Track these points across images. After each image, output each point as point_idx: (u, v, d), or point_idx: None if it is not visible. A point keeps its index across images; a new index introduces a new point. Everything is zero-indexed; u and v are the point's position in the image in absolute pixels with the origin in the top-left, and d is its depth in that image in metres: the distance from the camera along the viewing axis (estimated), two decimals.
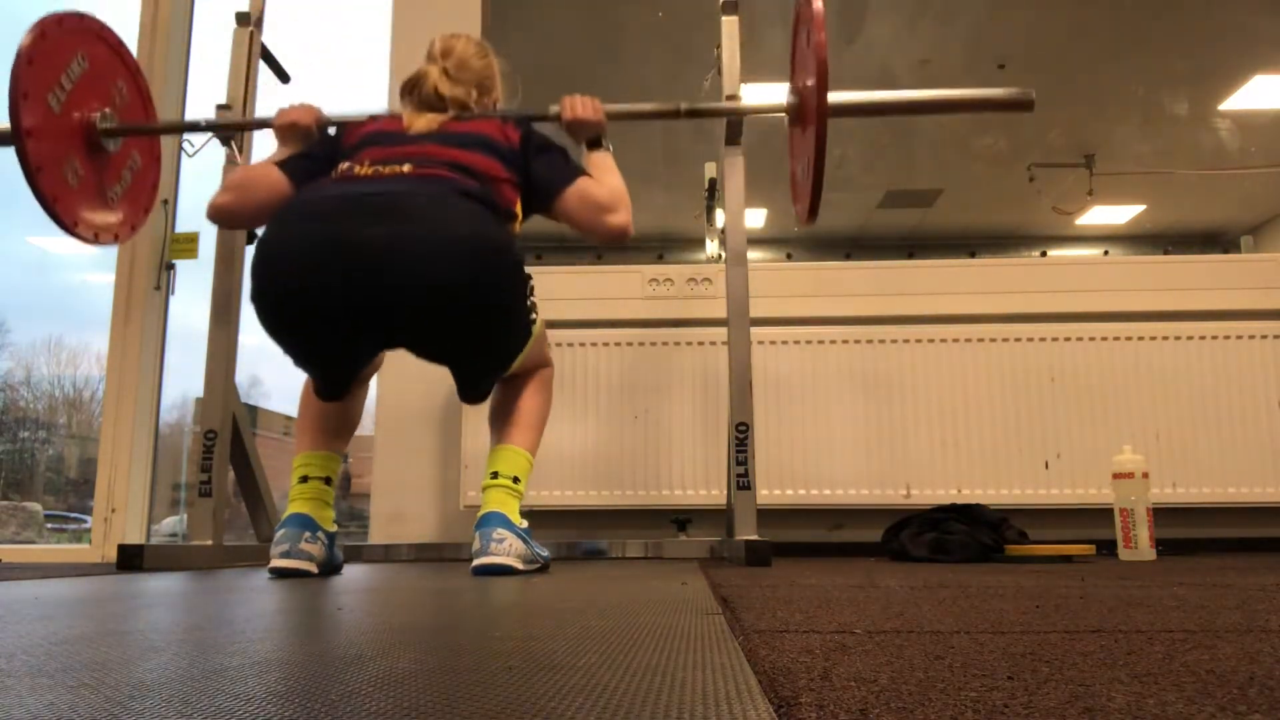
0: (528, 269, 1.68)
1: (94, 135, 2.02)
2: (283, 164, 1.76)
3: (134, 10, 2.95)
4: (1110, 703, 0.44)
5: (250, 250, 2.25)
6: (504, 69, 1.95)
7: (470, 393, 1.76)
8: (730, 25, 2.21)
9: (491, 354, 1.69)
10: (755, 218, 6.58)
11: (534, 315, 1.77)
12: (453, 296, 1.49)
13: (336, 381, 1.70)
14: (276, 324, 1.55)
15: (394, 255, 1.44)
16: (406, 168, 1.59)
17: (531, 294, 1.74)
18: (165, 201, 2.88)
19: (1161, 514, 2.15)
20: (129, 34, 2.93)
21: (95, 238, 2.03)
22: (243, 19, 2.31)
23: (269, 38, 2.37)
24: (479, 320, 1.56)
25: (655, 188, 6.10)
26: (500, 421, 1.82)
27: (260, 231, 1.58)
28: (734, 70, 2.17)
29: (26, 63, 1.83)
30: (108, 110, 2.05)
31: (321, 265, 1.45)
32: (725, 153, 2.16)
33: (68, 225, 1.94)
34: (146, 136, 2.25)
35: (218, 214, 1.77)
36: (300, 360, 1.67)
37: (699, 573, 1.59)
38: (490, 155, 1.69)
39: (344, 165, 1.66)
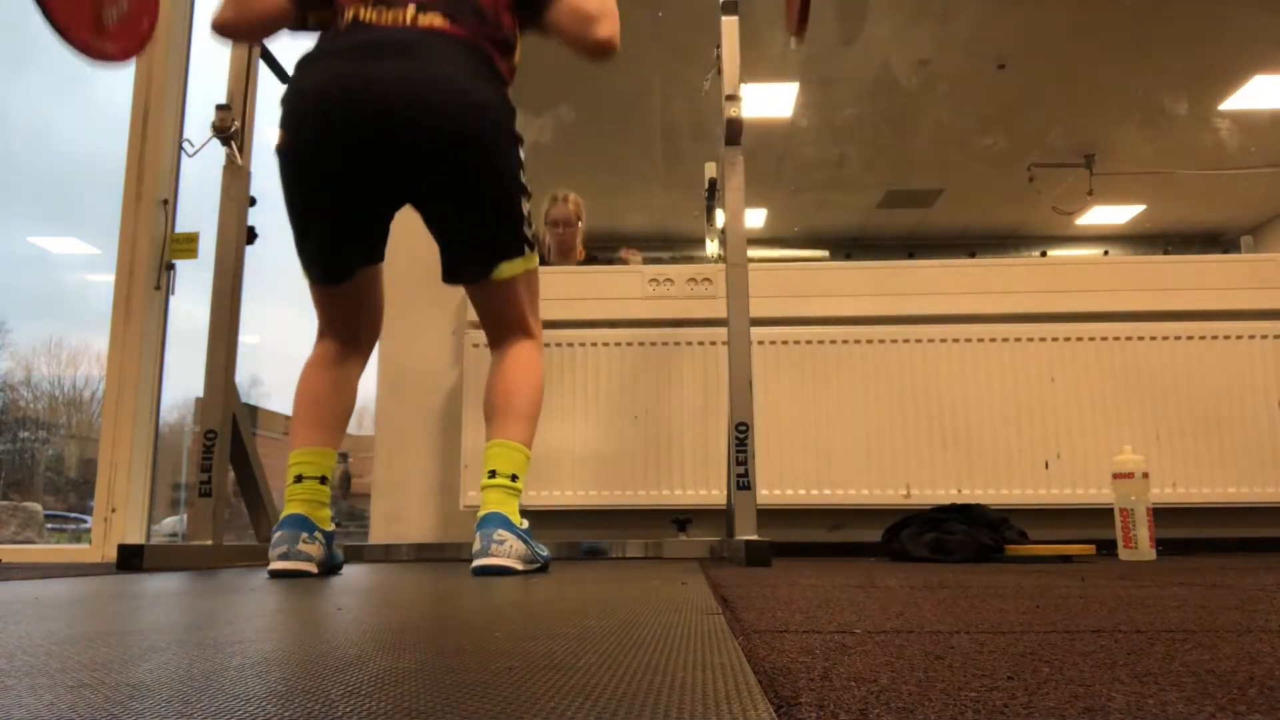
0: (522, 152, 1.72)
1: None
2: None
3: None
4: (1110, 703, 0.44)
5: (250, 250, 2.25)
6: None
7: (458, 267, 1.78)
8: (730, 25, 2.21)
9: (484, 212, 1.72)
10: (755, 218, 6.59)
11: (526, 204, 1.78)
12: (450, 135, 1.62)
13: (338, 258, 1.74)
14: (295, 169, 1.67)
15: (401, 90, 1.60)
16: (410, 10, 1.65)
17: (524, 166, 1.76)
18: (165, 201, 2.88)
19: (1161, 514, 2.15)
20: None
21: (88, 47, 1.83)
22: None
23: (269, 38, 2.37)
24: (473, 164, 1.65)
25: (655, 188, 6.10)
26: (494, 412, 1.79)
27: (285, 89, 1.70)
28: (734, 70, 2.17)
29: None
30: None
31: (337, 98, 1.61)
32: (725, 153, 2.16)
33: (60, 28, 1.70)
34: None
35: (221, 27, 1.82)
36: (310, 217, 1.71)
37: (699, 573, 1.59)
38: None
39: (348, 14, 1.69)
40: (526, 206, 1.78)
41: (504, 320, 1.83)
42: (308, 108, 1.65)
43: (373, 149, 1.62)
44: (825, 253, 3.31)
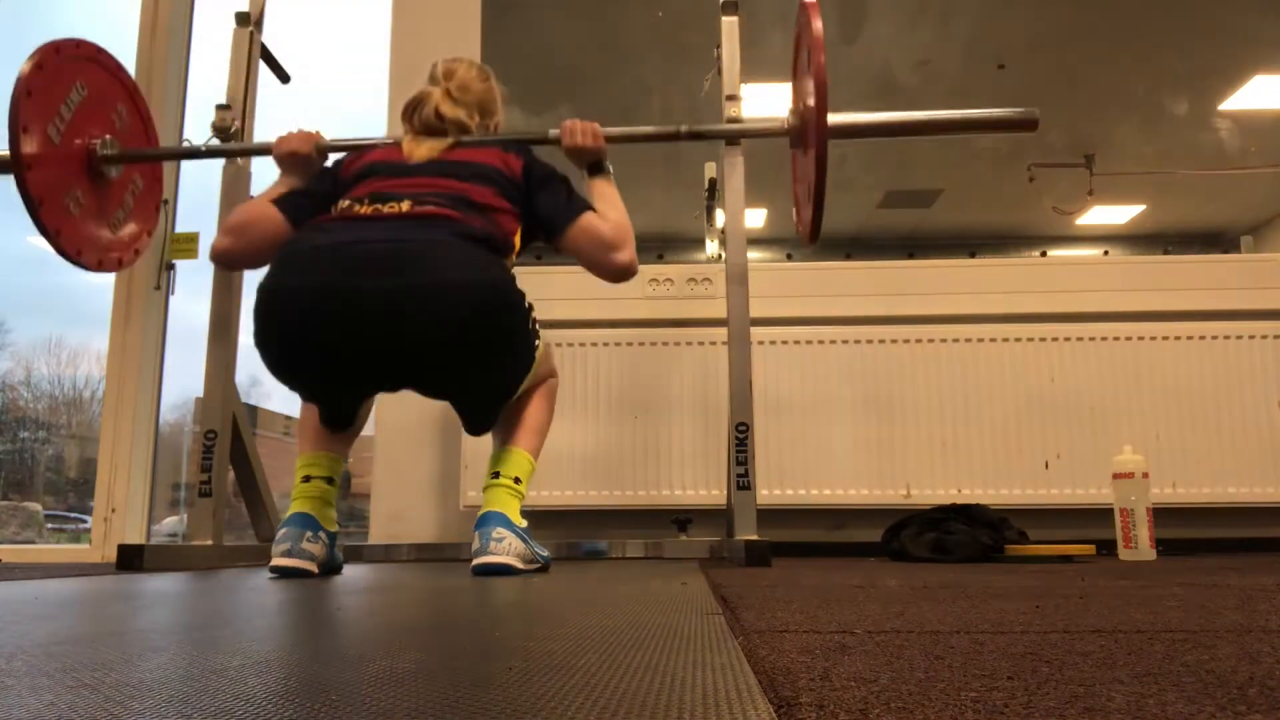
0: (523, 271, 1.69)
1: (95, 163, 2.01)
2: (280, 202, 1.76)
3: (134, 10, 2.95)
4: (1110, 703, 0.44)
5: None
6: (504, 94, 1.96)
7: (476, 426, 1.76)
8: (730, 25, 2.21)
9: (497, 388, 1.71)
10: (755, 218, 6.58)
11: (537, 341, 1.76)
12: (457, 344, 1.52)
13: (340, 416, 1.71)
14: (281, 369, 1.59)
15: (396, 307, 1.47)
16: (406, 205, 1.59)
17: (534, 324, 1.74)
18: (165, 201, 2.88)
19: (1161, 514, 2.15)
20: (129, 34, 2.94)
21: (99, 265, 2.04)
22: (243, 19, 2.31)
23: (269, 38, 2.37)
24: (486, 362, 1.59)
25: (655, 188, 6.09)
26: (505, 425, 1.81)
27: (264, 271, 1.59)
28: (734, 70, 2.17)
29: (25, 94, 1.82)
30: (108, 137, 2.04)
31: (324, 317, 1.48)
32: (725, 153, 2.17)
33: (71, 255, 1.94)
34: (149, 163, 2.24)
35: (219, 257, 1.81)
36: (305, 397, 1.70)
37: (699, 573, 1.59)
38: (490, 186, 1.70)
39: (344, 204, 1.66)
40: (535, 337, 1.75)
41: (525, 401, 1.83)
42: (289, 312, 1.50)
43: (368, 361, 1.53)
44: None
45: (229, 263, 1.87)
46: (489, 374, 1.63)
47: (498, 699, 0.45)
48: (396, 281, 1.47)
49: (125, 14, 2.97)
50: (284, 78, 2.46)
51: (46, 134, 1.88)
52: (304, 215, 1.72)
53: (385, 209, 1.59)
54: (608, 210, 1.81)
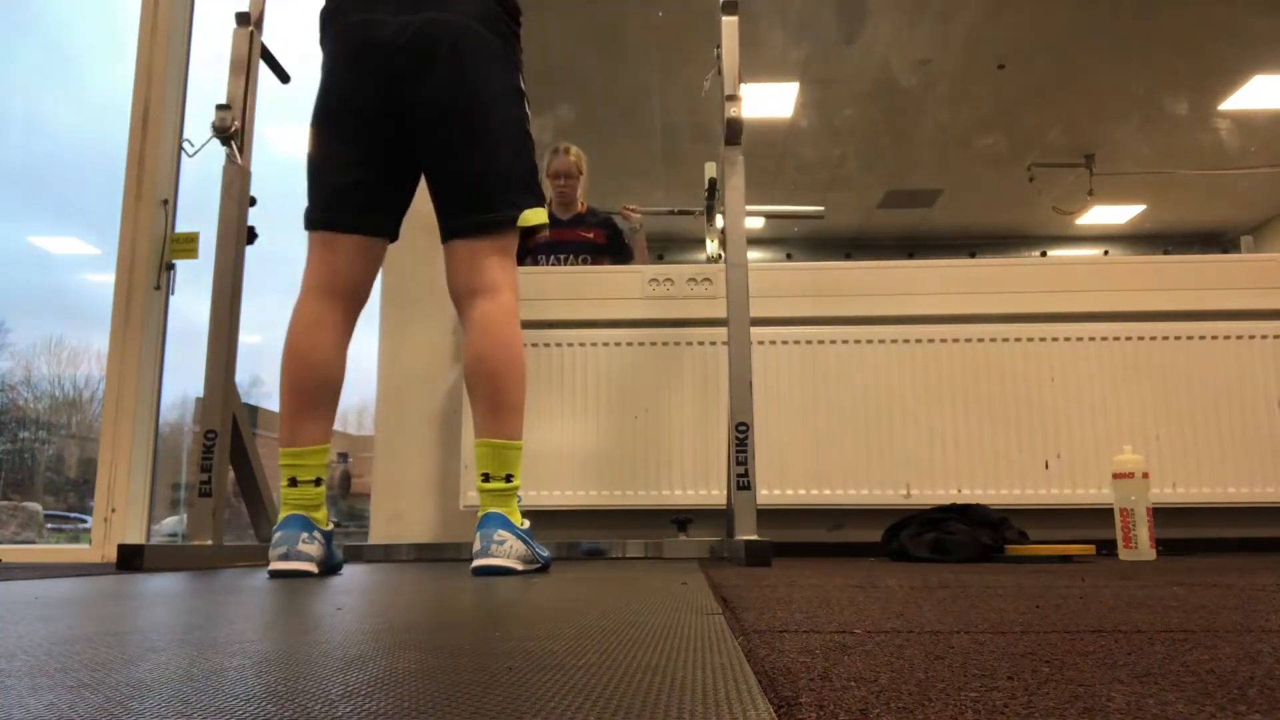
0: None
1: None
2: None
3: (134, 10, 2.95)
4: (1110, 703, 0.44)
5: (250, 250, 2.25)
6: None
7: (485, 208, 1.76)
8: (730, 25, 2.21)
9: (500, 136, 1.75)
10: (755, 218, 6.58)
11: (527, 108, 1.83)
12: (449, 53, 1.71)
13: (353, 199, 1.77)
14: (338, 92, 1.78)
15: (415, 31, 1.71)
16: None
17: (524, 84, 1.83)
18: (165, 201, 2.88)
19: (1161, 514, 2.15)
20: (129, 34, 2.94)
21: None
22: (243, 19, 2.30)
23: (269, 38, 2.37)
24: (477, 75, 1.74)
25: (655, 188, 6.10)
26: (480, 400, 1.74)
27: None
28: (734, 70, 2.17)
29: None
30: None
31: (363, 43, 1.74)
32: (725, 153, 2.16)
33: None
34: None
35: None
36: (337, 145, 1.78)
37: (699, 573, 1.59)
38: None
39: None
40: (534, 158, 1.84)
41: (497, 276, 1.78)
42: (339, 62, 1.78)
43: (391, 89, 1.72)
44: (821, 208, 3.29)
45: None
46: (474, 100, 1.73)
47: (498, 699, 0.45)
48: (426, 14, 1.73)
49: (125, 14, 2.97)
50: (284, 78, 2.46)
51: None
52: None
53: None
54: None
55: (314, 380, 1.74)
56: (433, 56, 1.71)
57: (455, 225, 1.79)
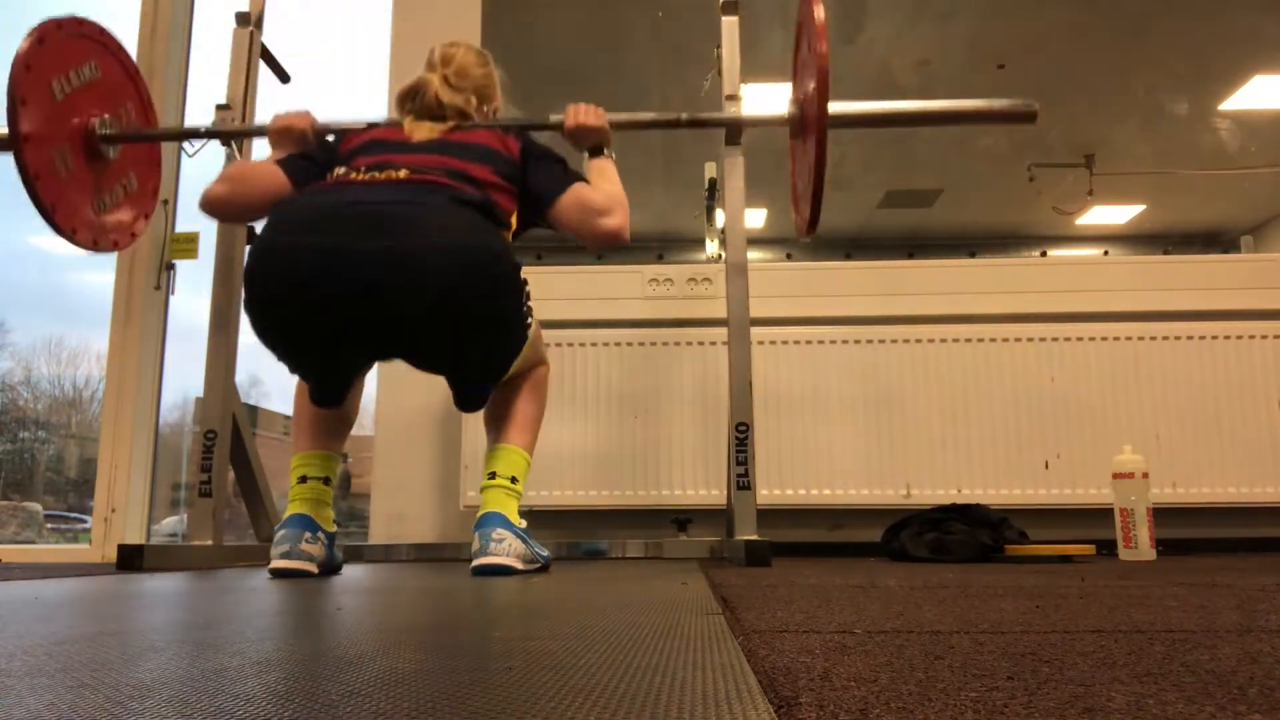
0: (524, 271, 1.67)
1: (93, 141, 2.00)
2: (282, 162, 1.75)
3: (134, 10, 2.95)
4: (1110, 703, 0.44)
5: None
6: (503, 79, 1.95)
7: (468, 402, 1.76)
8: (730, 25, 2.21)
9: (489, 363, 1.69)
10: (755, 218, 6.58)
11: (530, 319, 1.75)
12: (450, 309, 1.48)
13: (331, 389, 1.70)
14: (270, 333, 1.54)
15: (390, 269, 1.43)
16: (403, 173, 1.57)
17: (528, 299, 1.74)
18: (165, 201, 2.88)
19: (1161, 514, 2.15)
20: (129, 34, 2.94)
21: (95, 244, 2.02)
22: (243, 19, 2.31)
23: (269, 38, 2.37)
24: (477, 330, 1.55)
25: (655, 188, 6.10)
26: (497, 422, 1.82)
27: (257, 229, 1.60)
28: (734, 70, 2.17)
29: (24, 69, 1.82)
30: (107, 116, 2.04)
31: (316, 278, 1.44)
32: (725, 153, 2.16)
33: (66, 232, 1.92)
34: (147, 143, 2.24)
35: (211, 204, 1.73)
36: (294, 369, 1.67)
37: (699, 573, 1.59)
38: (488, 164, 1.69)
39: (340, 170, 1.65)
40: (528, 314, 1.74)
41: (520, 371, 1.82)
42: (282, 273, 1.46)
43: (361, 325, 1.48)
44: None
45: (220, 212, 1.78)
46: (480, 343, 1.59)
47: (498, 699, 0.45)
48: (390, 241, 1.44)
49: (125, 14, 2.97)
50: (284, 78, 2.46)
51: (45, 110, 1.87)
52: (304, 177, 1.71)
53: (382, 175, 1.57)
54: (601, 182, 1.79)
55: (330, 417, 1.77)
56: (433, 303, 1.48)
57: (473, 403, 1.76)
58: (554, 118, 1.91)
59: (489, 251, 1.53)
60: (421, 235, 1.46)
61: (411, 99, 1.81)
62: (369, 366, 1.76)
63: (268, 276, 1.48)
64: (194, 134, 2.21)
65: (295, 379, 1.78)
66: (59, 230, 1.91)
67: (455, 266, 1.47)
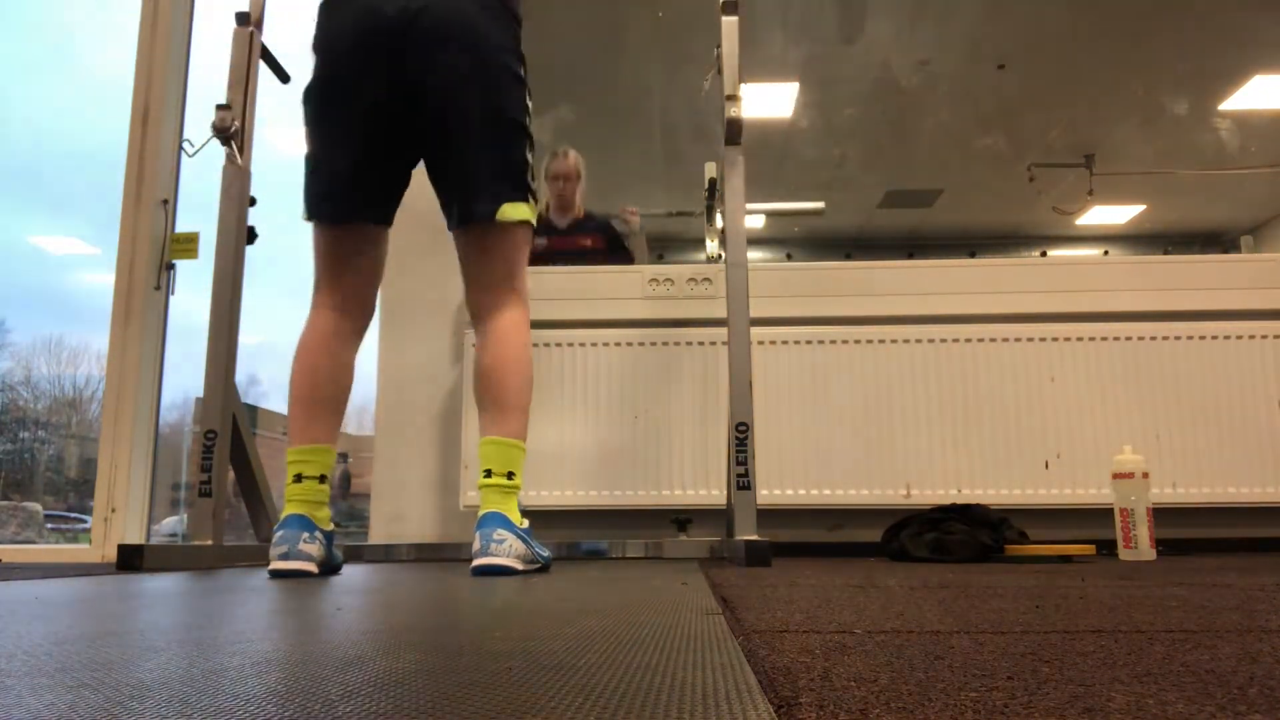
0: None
1: None
2: None
3: (134, 10, 2.95)
4: (1110, 703, 0.44)
5: (250, 250, 2.25)
6: None
7: (466, 202, 1.76)
8: (730, 25, 2.21)
9: (491, 134, 1.75)
10: (755, 218, 6.58)
11: (533, 181, 1.81)
12: (462, 41, 1.72)
13: (350, 191, 1.76)
14: (330, 82, 1.76)
15: (418, 15, 1.71)
16: None
17: (529, 96, 1.82)
18: (165, 201, 2.88)
19: (1161, 514, 2.15)
20: (129, 34, 2.94)
21: None
22: (243, 19, 2.30)
23: (269, 38, 2.37)
24: (484, 81, 1.73)
25: (655, 188, 6.10)
26: (485, 403, 1.77)
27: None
28: (734, 70, 2.17)
29: None
30: None
31: (365, 25, 1.73)
32: (725, 153, 2.16)
33: None
34: None
35: None
36: (333, 140, 1.77)
37: (699, 573, 1.59)
38: None
39: None
40: (530, 157, 1.82)
41: (496, 274, 1.81)
42: (338, 42, 1.76)
43: (391, 71, 1.72)
44: (821, 204, 3.31)
45: None
46: (488, 109, 1.74)
47: (498, 699, 0.45)
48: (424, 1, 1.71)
49: (125, 14, 2.97)
50: (284, 78, 2.46)
51: None
52: None
53: None
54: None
55: (323, 389, 1.78)
56: (441, 40, 1.71)
57: (450, 215, 1.82)
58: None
59: (498, 35, 1.77)
60: (449, 3, 1.74)
61: None
62: (386, 187, 1.81)
63: (331, 38, 1.77)
64: None
65: (292, 376, 1.77)
66: None
67: (473, 31, 1.73)
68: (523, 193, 1.79)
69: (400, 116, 1.76)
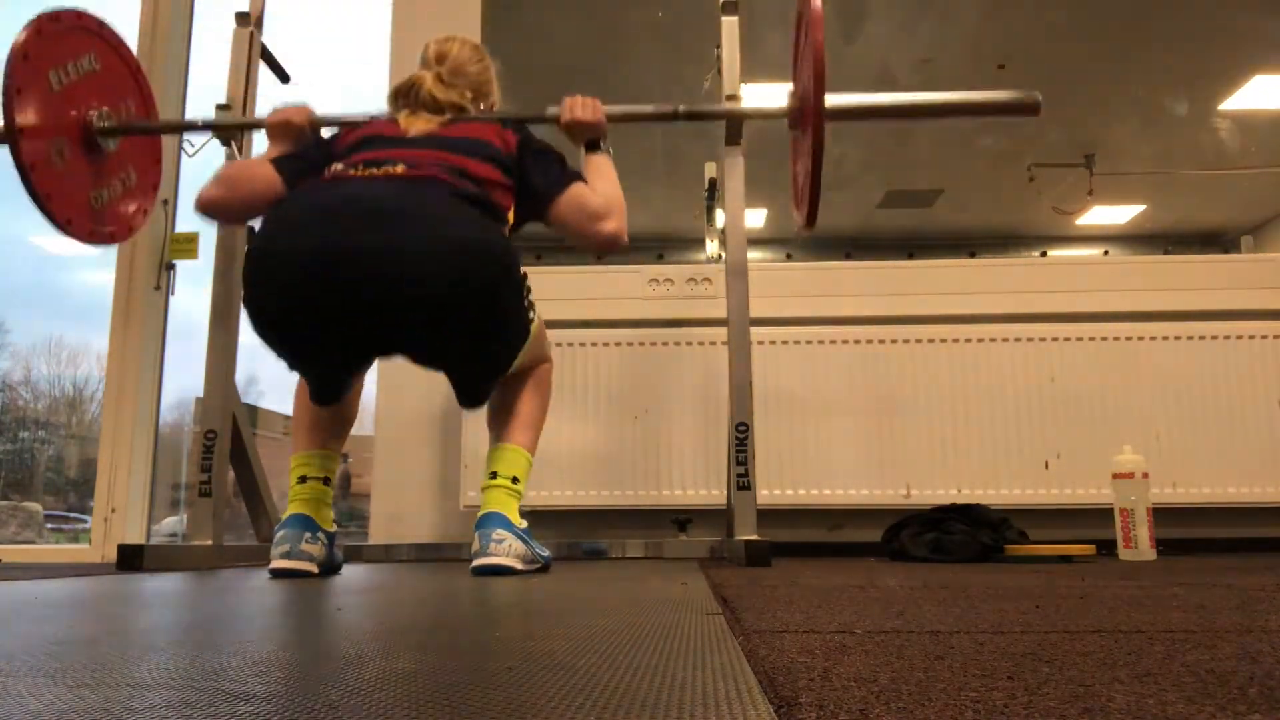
0: (525, 268, 1.67)
1: (91, 133, 2.00)
2: (276, 161, 1.74)
3: (134, 10, 2.95)
4: (1110, 703, 0.44)
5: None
6: (500, 71, 1.94)
7: (469, 399, 1.76)
8: (730, 25, 2.21)
9: (490, 358, 1.68)
10: (755, 218, 6.58)
11: (532, 315, 1.75)
12: (450, 303, 1.47)
13: (331, 388, 1.69)
14: (270, 332, 1.54)
15: (389, 263, 1.43)
16: (400, 169, 1.55)
17: (529, 294, 1.73)
18: (165, 201, 2.88)
19: (1161, 514, 2.15)
20: (129, 34, 2.94)
21: (90, 235, 2.01)
22: (243, 19, 2.30)
23: (269, 38, 2.37)
24: (477, 325, 1.54)
25: (655, 188, 6.09)
26: (499, 420, 1.81)
27: (255, 226, 1.61)
28: (734, 70, 2.17)
29: (21, 58, 1.82)
30: (105, 109, 2.04)
31: (315, 274, 1.43)
32: (725, 153, 2.16)
33: (60, 222, 1.91)
34: (146, 136, 2.24)
35: (206, 206, 1.72)
36: (293, 367, 1.66)
37: (699, 573, 1.59)
38: (486, 160, 1.67)
39: (337, 166, 1.63)
40: (532, 316, 1.75)
41: (523, 368, 1.83)
42: (281, 274, 1.46)
43: (362, 323, 1.48)
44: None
45: (215, 214, 1.78)
46: (480, 337, 1.57)
47: (498, 699, 0.45)
48: (388, 237, 1.43)
49: (125, 14, 2.97)
50: (284, 78, 2.46)
51: (41, 100, 1.86)
52: (297, 175, 1.69)
53: (379, 171, 1.56)
54: (599, 182, 1.77)
55: (328, 416, 1.77)
56: (436, 295, 1.47)
57: (474, 399, 1.77)
58: (550, 110, 1.90)
59: (488, 245, 1.52)
60: (420, 229, 1.46)
61: (404, 96, 1.78)
62: (369, 364, 1.75)
63: (266, 277, 1.48)
64: (191, 126, 2.21)
65: (295, 379, 1.78)
66: (53, 220, 1.90)
67: (454, 260, 1.46)
68: (521, 341, 1.72)
69: (377, 344, 1.60)
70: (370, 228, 1.44)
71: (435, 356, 1.65)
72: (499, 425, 1.81)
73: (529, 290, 1.73)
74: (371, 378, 2.72)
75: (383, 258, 1.43)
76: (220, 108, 2.22)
